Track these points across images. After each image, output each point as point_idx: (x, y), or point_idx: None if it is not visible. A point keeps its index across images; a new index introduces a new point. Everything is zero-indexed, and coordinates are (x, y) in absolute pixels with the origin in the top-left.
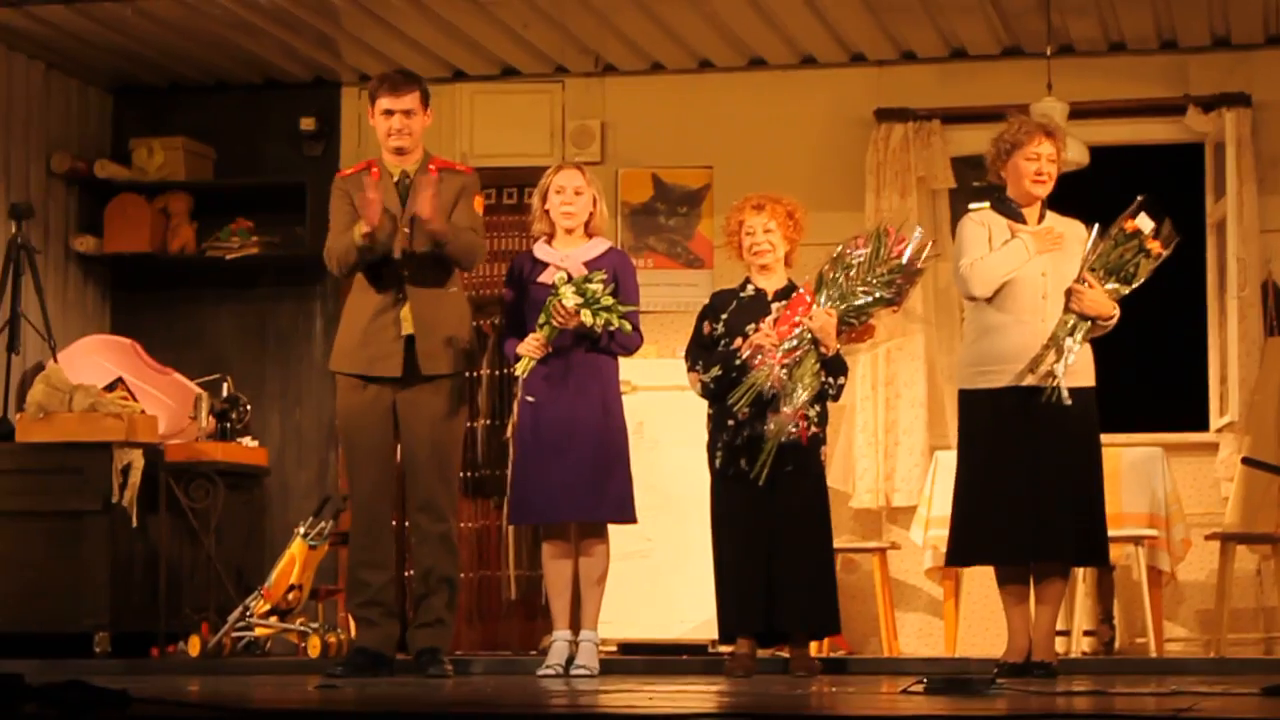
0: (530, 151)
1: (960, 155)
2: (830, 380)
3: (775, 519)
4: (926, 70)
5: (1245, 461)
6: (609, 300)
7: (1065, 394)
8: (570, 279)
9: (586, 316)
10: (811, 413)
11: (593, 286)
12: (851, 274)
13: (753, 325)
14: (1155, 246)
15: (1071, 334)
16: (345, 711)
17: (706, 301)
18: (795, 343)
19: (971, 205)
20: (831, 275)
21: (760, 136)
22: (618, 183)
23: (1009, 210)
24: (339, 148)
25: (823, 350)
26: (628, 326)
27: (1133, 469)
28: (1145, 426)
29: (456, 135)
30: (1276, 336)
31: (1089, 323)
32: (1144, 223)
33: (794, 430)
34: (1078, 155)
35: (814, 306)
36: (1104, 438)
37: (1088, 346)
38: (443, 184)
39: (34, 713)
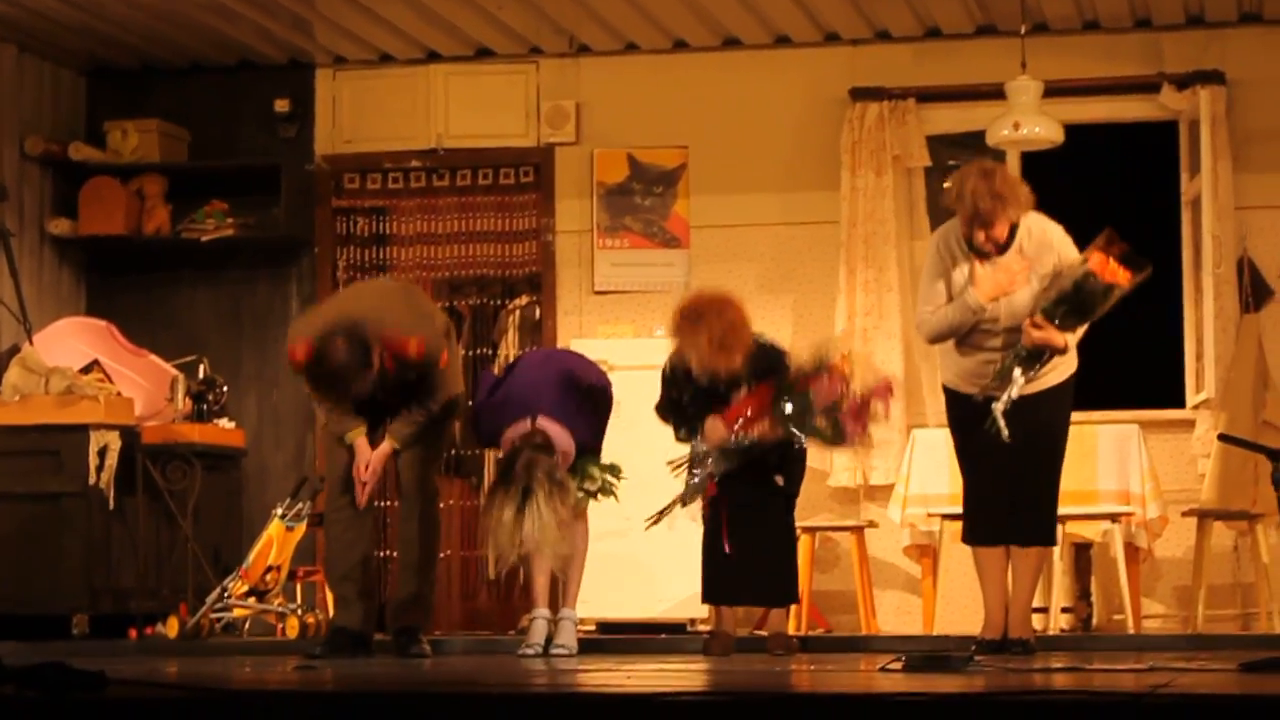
0: (506, 132)
1: (935, 134)
2: (777, 475)
3: (750, 498)
4: (901, 49)
5: (1221, 438)
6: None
7: (1005, 432)
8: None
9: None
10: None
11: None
12: (804, 413)
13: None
14: (1120, 278)
15: (1023, 364)
16: (324, 692)
17: (666, 366)
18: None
19: (947, 184)
20: (789, 401)
21: (735, 116)
22: (593, 163)
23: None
24: (313, 129)
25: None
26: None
27: (1109, 446)
28: (1121, 404)
29: (431, 117)
30: (1252, 313)
31: (1042, 354)
32: (1094, 282)
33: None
34: (1052, 133)
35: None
36: (1080, 415)
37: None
38: None
39: (12, 694)
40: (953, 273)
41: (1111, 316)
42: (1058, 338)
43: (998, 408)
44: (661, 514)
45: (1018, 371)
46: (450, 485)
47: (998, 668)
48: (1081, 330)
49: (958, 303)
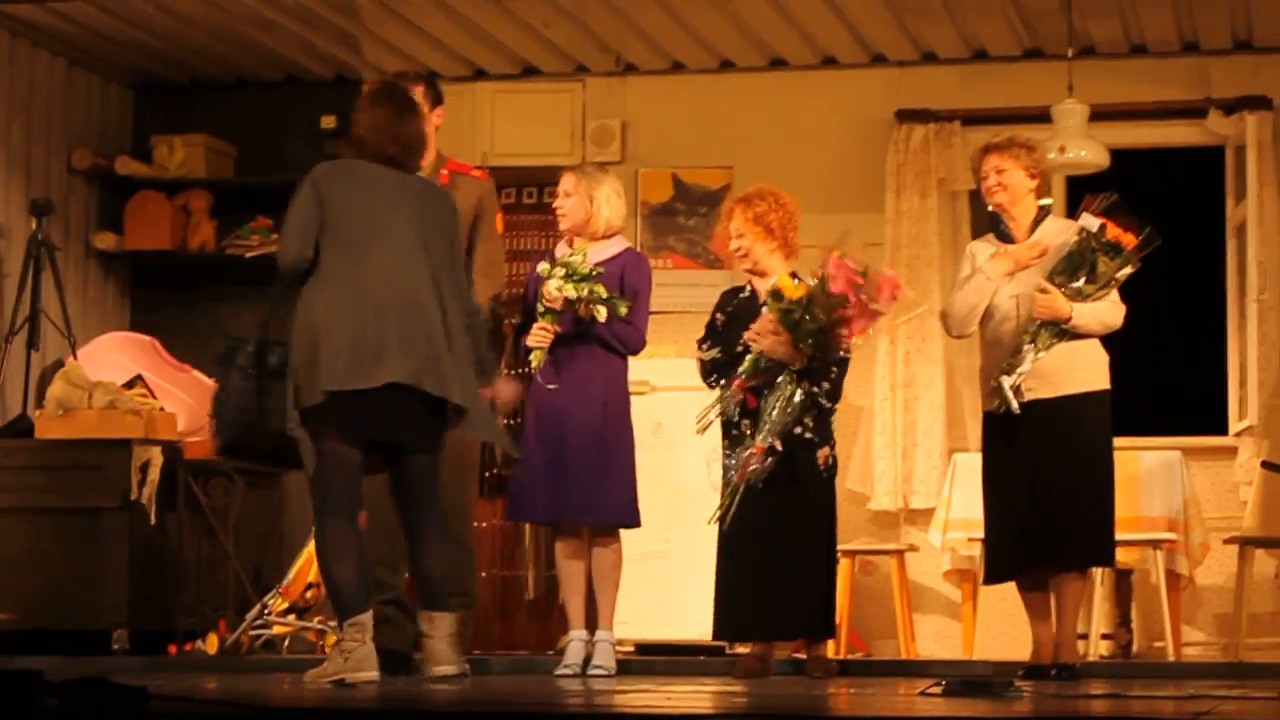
0: (551, 151)
1: None
2: (816, 389)
3: (775, 527)
4: (947, 71)
5: (1264, 465)
6: (590, 276)
7: (1014, 405)
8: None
9: (569, 290)
10: (807, 419)
11: (573, 260)
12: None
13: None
14: (1126, 239)
15: (1033, 341)
16: (363, 709)
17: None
18: (756, 367)
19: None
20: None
21: (781, 137)
22: (638, 182)
23: (1000, 231)
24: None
25: (792, 365)
26: (622, 308)
27: (1151, 473)
28: (1164, 430)
29: (477, 134)
30: None
31: (1051, 328)
32: (1088, 221)
33: (756, 467)
34: (1098, 158)
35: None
36: (1123, 441)
37: (1099, 348)
38: (458, 190)
39: (54, 708)
40: (978, 260)
41: (1154, 342)
42: (1062, 305)
43: (1005, 380)
44: (728, 508)
45: (1027, 347)
46: (490, 506)
47: (1038, 693)
48: (1091, 311)
49: (976, 276)
